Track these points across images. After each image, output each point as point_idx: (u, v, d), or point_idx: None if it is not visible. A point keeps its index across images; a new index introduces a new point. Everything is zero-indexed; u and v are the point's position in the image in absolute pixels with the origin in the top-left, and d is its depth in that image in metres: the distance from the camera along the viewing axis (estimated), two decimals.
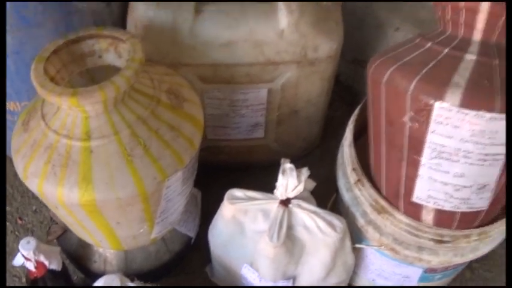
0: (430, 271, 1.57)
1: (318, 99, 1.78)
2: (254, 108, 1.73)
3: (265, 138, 1.85)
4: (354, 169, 1.48)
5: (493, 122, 1.19)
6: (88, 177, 1.29)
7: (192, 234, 1.73)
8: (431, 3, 1.35)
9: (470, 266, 1.88)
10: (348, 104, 1.97)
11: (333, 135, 1.80)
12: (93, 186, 1.29)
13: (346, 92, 1.96)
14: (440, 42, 1.29)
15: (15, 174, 1.37)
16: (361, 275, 1.71)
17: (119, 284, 1.38)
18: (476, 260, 1.70)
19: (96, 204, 1.33)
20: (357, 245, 1.56)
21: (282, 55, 1.59)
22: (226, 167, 1.86)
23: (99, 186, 1.29)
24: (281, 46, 1.57)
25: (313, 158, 1.91)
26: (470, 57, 1.23)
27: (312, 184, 1.49)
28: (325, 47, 1.61)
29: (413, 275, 1.58)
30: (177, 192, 1.47)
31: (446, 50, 1.26)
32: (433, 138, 1.24)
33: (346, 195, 1.54)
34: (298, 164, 1.46)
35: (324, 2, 1.59)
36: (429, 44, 1.30)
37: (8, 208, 1.89)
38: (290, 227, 1.46)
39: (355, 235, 1.54)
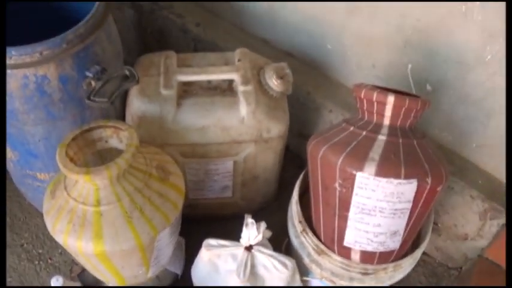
0: None
1: (273, 167, 1.81)
2: (223, 175, 1.76)
3: (232, 197, 1.87)
4: (300, 221, 1.52)
5: (400, 186, 1.26)
6: (99, 234, 1.32)
7: (178, 271, 1.74)
8: (354, 95, 1.43)
9: (390, 286, 1.88)
10: (296, 167, 1.98)
11: (286, 191, 1.81)
12: (103, 241, 1.33)
13: (295, 157, 1.98)
14: (360, 126, 1.36)
15: (45, 226, 1.40)
16: None
17: None
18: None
19: (106, 254, 1.36)
20: (305, 278, 1.59)
21: (243, 136, 1.62)
22: (204, 219, 1.86)
23: (107, 241, 1.33)
24: (242, 129, 1.60)
25: (271, 209, 1.92)
26: (382, 137, 1.31)
27: (268, 233, 1.53)
28: (276, 129, 1.64)
29: None
30: (166, 242, 1.49)
31: (364, 133, 1.33)
32: (357, 199, 1.31)
33: (295, 241, 1.57)
34: (258, 215, 1.51)
35: (274, 95, 1.64)
36: (352, 128, 1.37)
37: (40, 250, 1.92)
38: (253, 267, 1.49)
39: (303, 270, 1.57)
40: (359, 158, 1.28)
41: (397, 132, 1.34)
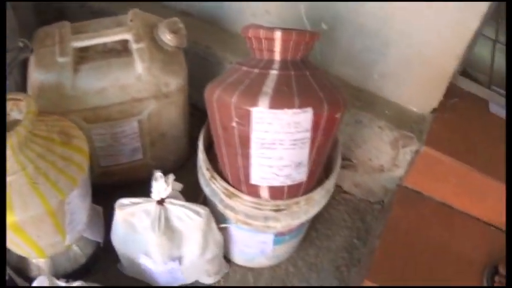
0: (279, 235, 1.65)
1: (178, 122, 1.84)
2: (130, 137, 1.78)
3: (143, 158, 1.89)
4: (207, 169, 1.56)
5: (295, 116, 1.30)
6: (9, 205, 1.33)
7: (99, 239, 1.75)
8: (243, 37, 1.46)
9: (315, 227, 1.95)
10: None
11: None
12: (13, 211, 1.33)
13: (204, 115, 2.02)
14: (252, 65, 1.40)
15: None
16: (233, 249, 1.79)
17: (47, 284, 1.44)
18: (319, 222, 1.79)
19: (18, 224, 1.37)
20: (221, 225, 1.64)
21: (142, 93, 1.65)
22: (120, 185, 1.85)
23: (17, 210, 1.34)
24: (140, 86, 1.63)
25: (186, 168, 1.95)
26: (274, 72, 1.35)
27: (179, 186, 1.55)
28: (174, 83, 1.67)
29: (268, 240, 1.67)
30: (77, 206, 1.51)
31: (256, 70, 1.37)
32: (255, 135, 1.34)
33: (206, 189, 1.60)
34: (175, 175, 1.53)
35: (169, 50, 1.67)
36: (244, 68, 1.40)
37: None
38: (167, 220, 1.52)
39: (220, 218, 1.62)
40: (252, 94, 1.31)
41: (288, 66, 1.37)
